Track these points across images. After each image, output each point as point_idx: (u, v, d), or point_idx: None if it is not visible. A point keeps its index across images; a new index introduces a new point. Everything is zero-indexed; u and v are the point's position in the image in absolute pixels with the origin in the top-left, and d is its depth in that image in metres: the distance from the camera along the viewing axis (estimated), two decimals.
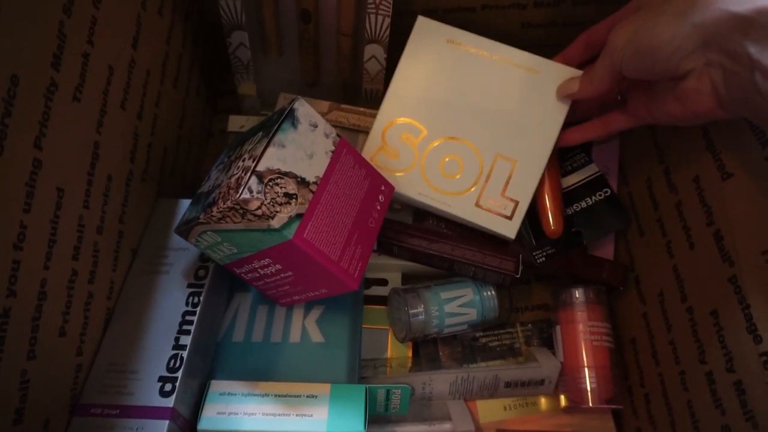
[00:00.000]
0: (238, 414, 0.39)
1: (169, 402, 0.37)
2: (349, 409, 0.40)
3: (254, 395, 0.41)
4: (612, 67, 0.39)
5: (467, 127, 0.48)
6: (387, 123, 0.49)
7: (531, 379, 0.49)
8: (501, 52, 0.49)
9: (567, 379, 0.50)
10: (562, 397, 0.51)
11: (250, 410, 0.40)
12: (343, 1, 0.50)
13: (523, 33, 0.49)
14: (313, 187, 0.38)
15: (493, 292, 0.51)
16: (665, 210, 0.47)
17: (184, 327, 0.40)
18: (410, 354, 0.52)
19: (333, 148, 0.40)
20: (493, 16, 0.52)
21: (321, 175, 0.38)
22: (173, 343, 0.40)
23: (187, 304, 0.41)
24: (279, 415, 0.39)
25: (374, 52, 0.53)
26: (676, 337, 0.44)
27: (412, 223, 0.53)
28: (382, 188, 0.43)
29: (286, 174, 0.36)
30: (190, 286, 0.42)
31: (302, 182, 0.37)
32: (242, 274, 0.43)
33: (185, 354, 0.39)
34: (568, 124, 0.48)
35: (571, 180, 0.53)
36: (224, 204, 0.35)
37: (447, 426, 0.47)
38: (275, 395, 0.41)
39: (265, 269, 0.40)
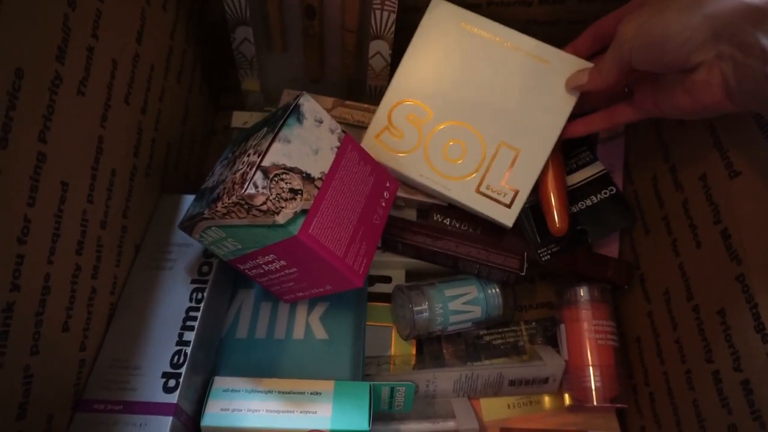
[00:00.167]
0: (241, 411, 0.39)
1: (173, 398, 0.37)
2: (354, 407, 0.40)
3: (258, 392, 0.40)
4: (621, 59, 0.39)
5: (473, 113, 0.48)
6: (394, 103, 0.49)
7: (535, 377, 0.49)
8: (513, 40, 0.49)
9: (571, 378, 0.50)
10: (567, 396, 0.51)
11: (253, 407, 0.40)
12: None
13: (528, 30, 0.49)
14: (318, 183, 0.37)
15: (497, 290, 0.51)
16: (671, 208, 0.47)
17: (188, 323, 0.40)
18: (414, 351, 0.51)
19: (338, 144, 0.40)
20: (498, 13, 0.52)
21: (326, 171, 0.38)
22: (177, 339, 0.40)
23: (190, 300, 0.41)
24: (283, 412, 0.39)
25: (379, 49, 0.52)
26: (681, 336, 0.44)
27: (417, 220, 0.53)
28: (387, 185, 0.43)
29: (292, 169, 0.36)
30: (193, 282, 0.42)
31: (307, 178, 0.37)
32: (246, 270, 0.43)
33: (189, 350, 0.39)
34: (573, 116, 0.48)
35: (576, 178, 0.53)
36: (229, 199, 0.34)
37: (451, 424, 0.47)
38: (279, 392, 0.40)
39: (270, 265, 0.40)
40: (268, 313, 0.47)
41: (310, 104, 0.39)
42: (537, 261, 0.52)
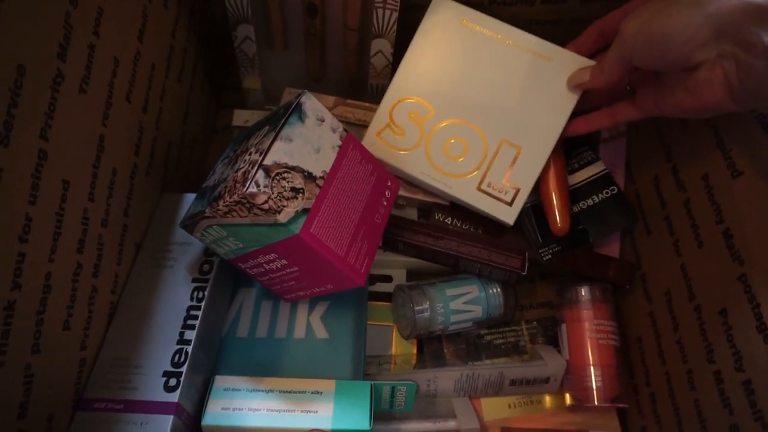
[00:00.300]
0: (242, 410, 0.39)
1: (174, 397, 0.37)
2: (355, 406, 0.40)
3: (259, 391, 0.40)
4: (623, 57, 0.39)
5: (475, 111, 0.48)
6: (396, 100, 0.49)
7: (536, 377, 0.49)
8: (515, 37, 0.49)
9: (572, 378, 0.49)
10: (567, 396, 0.50)
11: (254, 406, 0.39)
12: None
13: (530, 29, 0.49)
14: (320, 182, 0.37)
15: (498, 290, 0.50)
16: (673, 208, 0.47)
17: (189, 322, 0.40)
18: (415, 351, 0.51)
19: (340, 142, 0.40)
20: (500, 12, 0.52)
21: (328, 170, 0.38)
22: (178, 338, 0.39)
23: (191, 298, 0.41)
24: (284, 411, 0.39)
25: (381, 47, 0.52)
26: (683, 336, 0.44)
27: (418, 219, 0.53)
28: (389, 184, 0.42)
29: (293, 168, 0.36)
30: (194, 280, 0.42)
31: (309, 177, 0.37)
32: (247, 269, 0.42)
33: (190, 349, 0.39)
34: (574, 114, 0.48)
35: (578, 177, 0.53)
36: (231, 198, 0.34)
37: (451, 423, 0.47)
38: (280, 391, 0.40)
39: (271, 264, 0.40)
40: (269, 312, 0.46)
41: (311, 103, 0.39)
42: (538, 260, 0.51)
